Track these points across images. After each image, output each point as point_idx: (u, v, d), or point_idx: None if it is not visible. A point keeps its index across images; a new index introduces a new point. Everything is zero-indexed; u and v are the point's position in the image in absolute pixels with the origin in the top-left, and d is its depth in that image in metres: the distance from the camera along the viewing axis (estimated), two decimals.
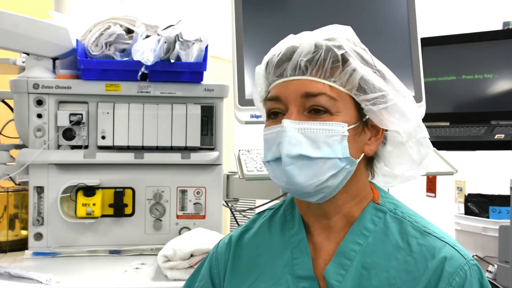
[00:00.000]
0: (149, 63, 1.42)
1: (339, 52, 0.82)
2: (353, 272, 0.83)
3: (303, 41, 0.84)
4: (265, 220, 0.98)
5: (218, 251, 0.99)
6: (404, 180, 0.96)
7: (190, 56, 1.53)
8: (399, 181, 0.97)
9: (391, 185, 0.99)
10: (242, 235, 0.98)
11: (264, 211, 1.01)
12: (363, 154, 0.86)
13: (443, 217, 3.10)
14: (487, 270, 2.37)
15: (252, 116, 1.44)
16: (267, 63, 0.88)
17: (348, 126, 0.82)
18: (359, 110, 0.85)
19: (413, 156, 0.91)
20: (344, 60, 0.83)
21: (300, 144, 0.80)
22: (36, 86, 1.50)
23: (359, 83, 0.83)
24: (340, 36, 0.84)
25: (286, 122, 0.81)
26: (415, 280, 0.81)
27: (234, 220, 2.00)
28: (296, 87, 0.83)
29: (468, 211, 2.91)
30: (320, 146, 0.81)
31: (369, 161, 0.92)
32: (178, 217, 1.58)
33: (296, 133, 0.81)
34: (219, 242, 1.02)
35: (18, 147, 1.60)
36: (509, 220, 2.19)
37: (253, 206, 2.83)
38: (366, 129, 0.86)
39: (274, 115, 0.86)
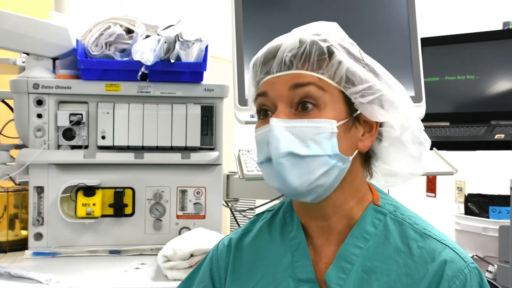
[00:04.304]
0: (149, 63, 1.42)
1: (325, 45, 0.82)
2: (354, 276, 0.83)
3: (287, 38, 0.84)
4: (264, 223, 0.97)
5: (219, 254, 0.98)
6: (405, 178, 0.95)
7: (190, 56, 1.53)
8: (401, 180, 0.95)
9: (392, 185, 0.98)
10: (242, 238, 0.97)
11: (263, 212, 1.00)
12: (356, 151, 0.85)
13: (443, 217, 3.10)
14: (487, 270, 2.37)
15: (252, 116, 1.44)
16: (254, 63, 0.88)
17: (337, 122, 0.82)
18: (350, 106, 0.84)
19: (410, 151, 0.90)
20: (330, 52, 0.82)
21: (288, 142, 0.80)
22: (36, 86, 1.49)
23: (347, 75, 0.82)
24: (326, 31, 0.84)
25: (273, 121, 0.81)
26: (415, 283, 0.80)
27: (234, 220, 2.00)
28: (283, 82, 0.83)
29: (468, 211, 2.92)
30: (308, 144, 0.80)
31: (366, 160, 0.91)
32: (178, 217, 1.58)
33: (284, 132, 0.80)
34: (218, 244, 1.00)
35: (18, 147, 1.60)
36: (509, 220, 2.19)
37: (253, 206, 2.83)
38: (358, 125, 0.86)
39: (264, 115, 0.86)
